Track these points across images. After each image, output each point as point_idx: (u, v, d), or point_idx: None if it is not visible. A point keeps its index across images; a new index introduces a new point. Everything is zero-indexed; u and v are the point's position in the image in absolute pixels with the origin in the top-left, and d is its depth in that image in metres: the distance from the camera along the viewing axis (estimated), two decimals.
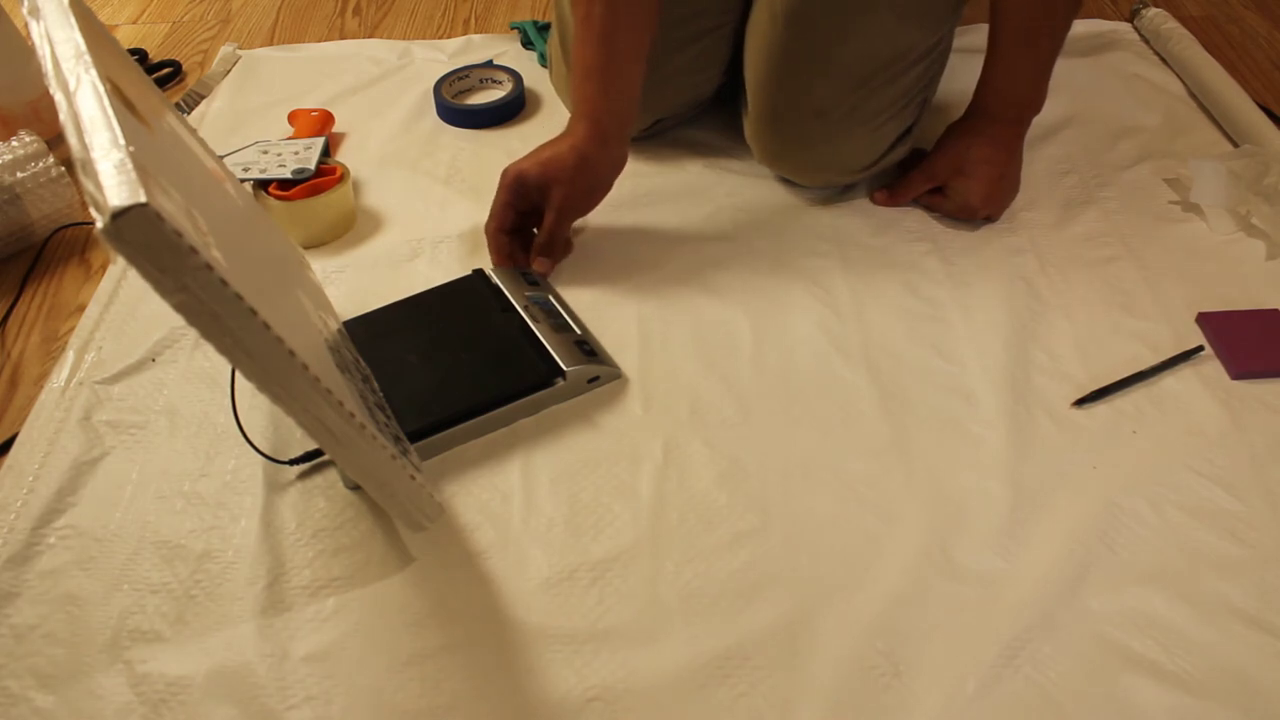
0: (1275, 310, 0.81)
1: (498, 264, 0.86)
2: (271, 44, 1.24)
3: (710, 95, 1.01)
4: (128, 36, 1.26)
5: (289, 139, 0.98)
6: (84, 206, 0.96)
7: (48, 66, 0.50)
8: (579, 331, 0.79)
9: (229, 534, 0.68)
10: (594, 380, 0.76)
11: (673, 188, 0.97)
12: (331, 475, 0.71)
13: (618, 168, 0.86)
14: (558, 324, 0.79)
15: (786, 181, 0.96)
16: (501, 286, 0.82)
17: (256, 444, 0.72)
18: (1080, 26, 1.19)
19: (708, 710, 0.58)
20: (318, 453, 0.71)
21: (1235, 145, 0.99)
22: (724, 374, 0.78)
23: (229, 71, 1.17)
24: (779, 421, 0.74)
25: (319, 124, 1.04)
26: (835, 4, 0.83)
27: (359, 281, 0.87)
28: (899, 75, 0.87)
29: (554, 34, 1.02)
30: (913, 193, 0.93)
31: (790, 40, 0.86)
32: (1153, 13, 1.18)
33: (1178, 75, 1.10)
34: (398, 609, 0.63)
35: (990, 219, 0.91)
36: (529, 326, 0.78)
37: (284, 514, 0.69)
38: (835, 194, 0.95)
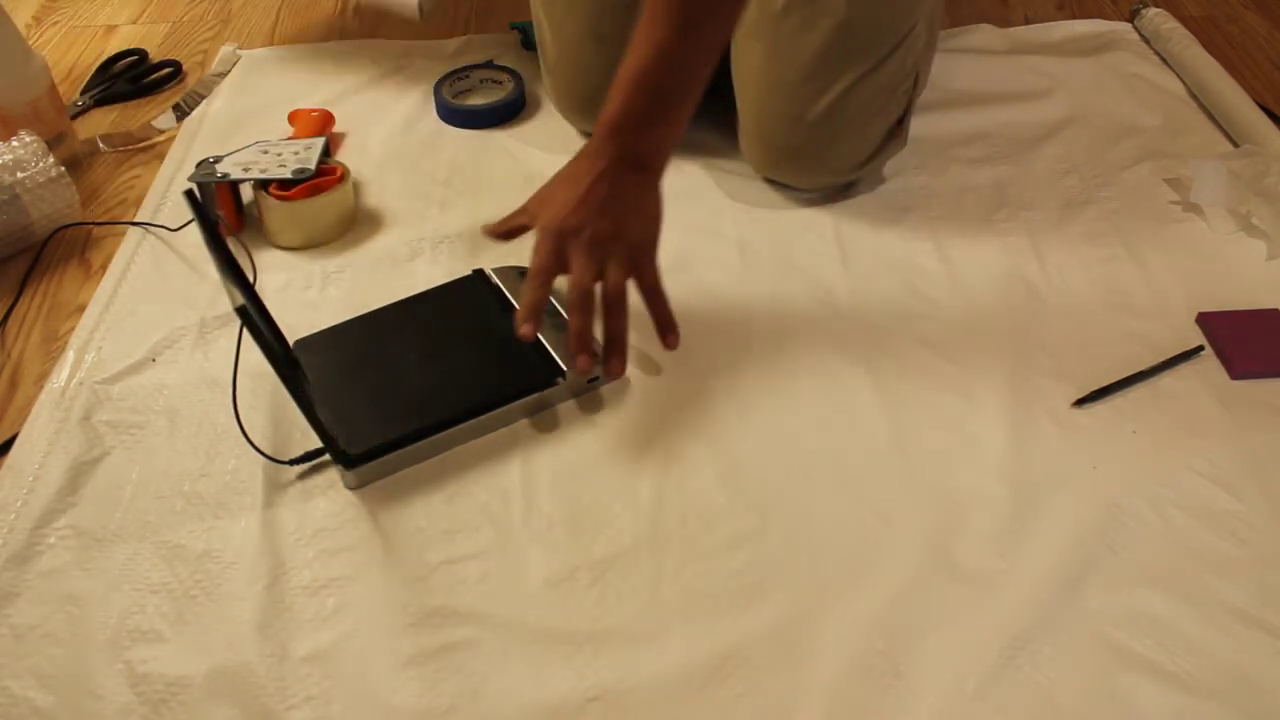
0: (1275, 310, 0.81)
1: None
2: (271, 44, 1.24)
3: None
4: (128, 36, 1.26)
5: (289, 139, 0.98)
6: (84, 206, 0.96)
7: None
8: None
9: (229, 534, 0.68)
10: (594, 380, 0.76)
11: (672, 188, 0.96)
12: (331, 475, 0.71)
13: None
14: (558, 324, 0.79)
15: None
16: (501, 286, 0.82)
17: (256, 444, 0.72)
18: (1080, 26, 1.19)
19: (708, 710, 0.58)
20: (318, 452, 0.71)
21: (1235, 145, 0.99)
22: (724, 374, 0.78)
23: (229, 71, 1.17)
24: (779, 421, 0.74)
25: (319, 124, 1.04)
26: (798, 11, 0.83)
27: (359, 281, 0.87)
28: (874, 69, 0.86)
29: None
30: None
31: (758, 48, 0.86)
32: (1153, 13, 1.18)
33: (1178, 75, 1.10)
34: (398, 609, 0.63)
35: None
36: None
37: (284, 514, 0.69)
38: (835, 194, 0.95)
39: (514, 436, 0.74)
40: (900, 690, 0.59)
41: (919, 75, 0.91)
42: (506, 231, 0.80)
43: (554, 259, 0.73)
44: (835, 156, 0.90)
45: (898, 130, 0.92)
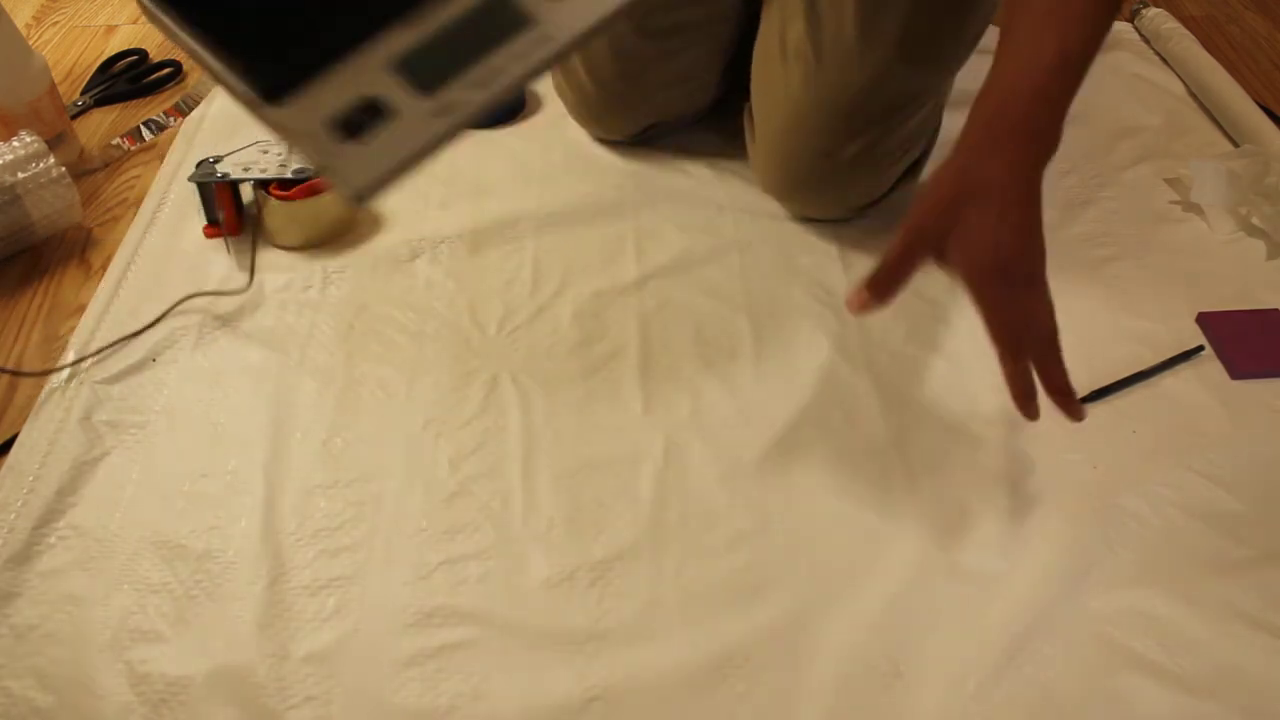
0: (1275, 310, 0.81)
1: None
2: None
3: (706, 105, 1.00)
4: (128, 36, 1.26)
5: None
6: (84, 206, 0.96)
7: None
8: None
9: (229, 534, 0.68)
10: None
11: (673, 189, 0.97)
12: (332, 475, 0.71)
13: None
14: None
15: None
16: None
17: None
18: None
19: (708, 710, 0.58)
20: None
21: (1235, 145, 0.99)
22: (724, 374, 0.78)
23: None
24: (779, 421, 0.74)
25: None
26: (844, 50, 0.81)
27: (359, 281, 0.87)
28: (909, 117, 0.85)
29: None
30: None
31: (801, 87, 0.84)
32: (1153, 13, 1.18)
33: (1178, 75, 1.10)
34: (398, 609, 0.63)
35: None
36: None
37: (284, 514, 0.69)
38: None
39: (514, 436, 0.74)
40: (900, 690, 0.59)
41: (939, 116, 0.90)
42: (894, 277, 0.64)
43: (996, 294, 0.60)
44: (854, 196, 0.89)
45: (912, 172, 0.91)
